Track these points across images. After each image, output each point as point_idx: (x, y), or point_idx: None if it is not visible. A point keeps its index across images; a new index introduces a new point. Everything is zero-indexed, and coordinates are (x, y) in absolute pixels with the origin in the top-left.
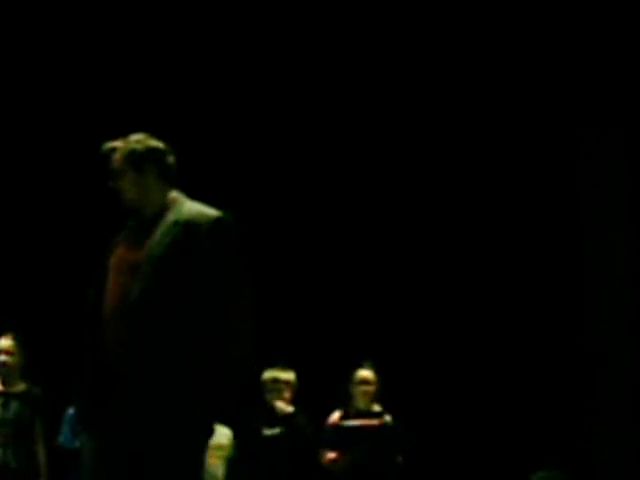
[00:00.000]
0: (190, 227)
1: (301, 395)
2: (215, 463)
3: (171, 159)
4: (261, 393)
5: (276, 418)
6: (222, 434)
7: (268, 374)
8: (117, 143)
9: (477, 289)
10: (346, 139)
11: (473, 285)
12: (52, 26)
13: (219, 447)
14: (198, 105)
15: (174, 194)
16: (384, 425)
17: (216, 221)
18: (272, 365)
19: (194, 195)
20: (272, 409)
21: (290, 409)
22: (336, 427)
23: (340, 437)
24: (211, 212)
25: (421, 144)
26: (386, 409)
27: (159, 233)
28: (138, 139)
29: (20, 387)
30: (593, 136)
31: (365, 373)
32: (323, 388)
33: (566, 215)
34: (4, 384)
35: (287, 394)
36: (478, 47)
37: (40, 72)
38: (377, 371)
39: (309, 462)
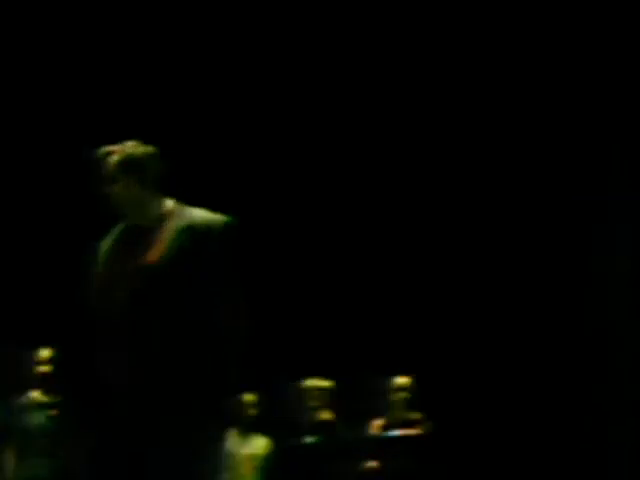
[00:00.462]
0: (204, 232)
1: (341, 404)
2: (249, 473)
3: (164, 167)
4: (301, 402)
5: (315, 426)
6: (258, 444)
7: (307, 383)
8: (112, 148)
9: (492, 289)
10: (349, 142)
11: (490, 285)
12: (46, 28)
13: (253, 457)
14: (191, 108)
15: (171, 201)
16: (424, 433)
17: (226, 226)
18: (311, 374)
19: (189, 200)
20: (311, 417)
21: (329, 417)
22: (375, 436)
23: (380, 447)
24: (221, 217)
25: (428, 142)
26: (426, 416)
27: (170, 238)
28: (132, 145)
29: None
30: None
31: (400, 381)
32: (363, 397)
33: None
34: (45, 394)
35: (325, 402)
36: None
37: (33, 75)
38: (414, 378)
39: (348, 471)
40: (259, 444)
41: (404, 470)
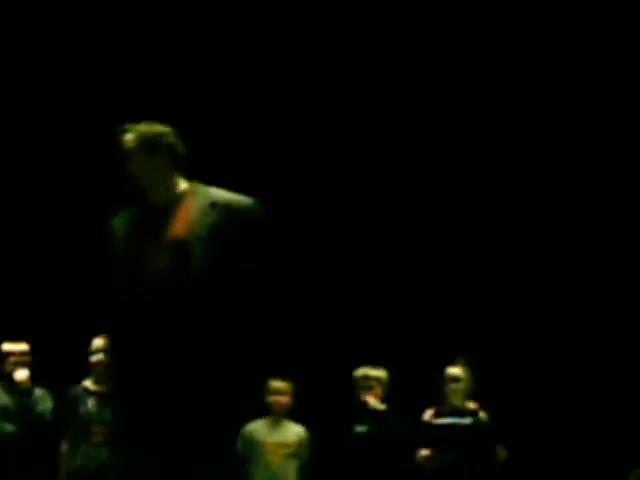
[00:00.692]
0: (229, 210)
1: (397, 394)
2: (276, 461)
3: (182, 146)
4: (353, 390)
5: (367, 415)
6: (290, 431)
7: (359, 371)
8: (130, 126)
9: (573, 283)
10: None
11: (569, 278)
12: (51, 13)
13: (282, 444)
14: (200, 99)
15: (188, 181)
16: (478, 423)
17: (254, 206)
18: (365, 363)
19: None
20: (363, 406)
21: (381, 406)
22: (429, 425)
23: (433, 435)
24: (244, 197)
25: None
26: (483, 406)
27: (195, 215)
28: (150, 124)
29: None
30: None
31: (454, 370)
32: (420, 386)
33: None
34: (98, 383)
35: (378, 391)
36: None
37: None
38: (471, 368)
39: (401, 460)
40: (292, 432)
41: (458, 459)
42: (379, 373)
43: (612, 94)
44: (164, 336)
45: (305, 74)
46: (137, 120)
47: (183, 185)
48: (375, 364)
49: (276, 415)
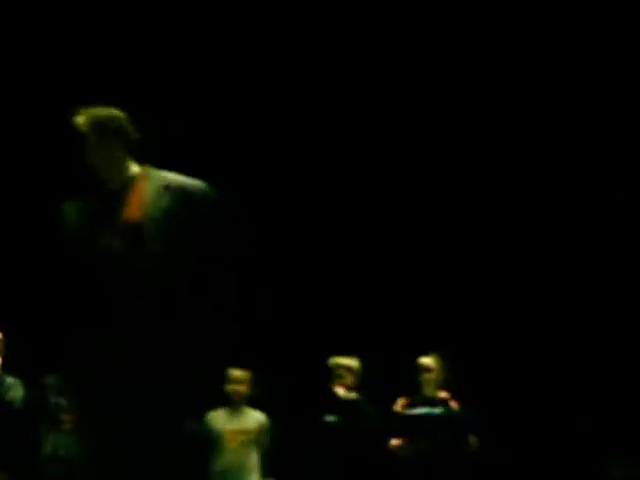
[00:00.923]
0: (183, 193)
1: (371, 383)
2: (235, 448)
3: (133, 130)
4: (325, 379)
5: (336, 404)
6: (249, 418)
7: (331, 360)
8: (83, 110)
9: (546, 278)
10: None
11: (543, 274)
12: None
13: (241, 431)
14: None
15: (140, 166)
16: (449, 413)
17: (208, 189)
18: (339, 352)
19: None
20: (333, 395)
21: (351, 395)
22: (400, 415)
23: (404, 425)
24: (198, 181)
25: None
26: (456, 396)
27: (149, 197)
28: (102, 108)
29: None
30: None
31: (426, 360)
32: (393, 376)
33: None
34: None
35: (349, 380)
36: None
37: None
38: (445, 359)
39: (371, 449)
40: (251, 419)
41: (430, 448)
42: (350, 362)
43: (611, 96)
44: (119, 319)
45: (298, 67)
46: (94, 104)
47: (135, 168)
48: (349, 354)
49: (235, 404)
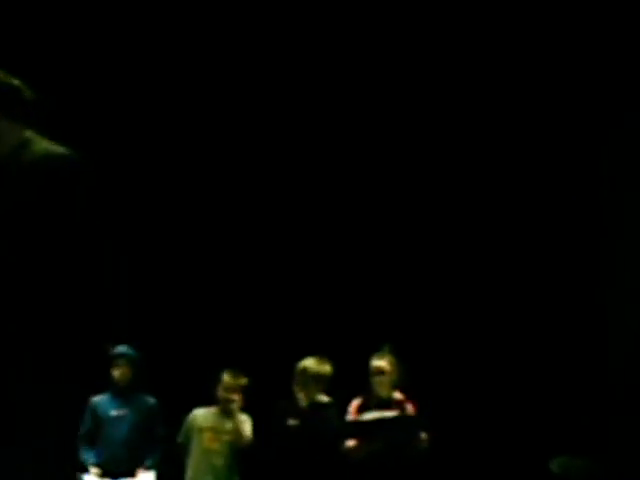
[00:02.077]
0: (35, 174)
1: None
2: (214, 447)
3: (26, 96)
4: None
5: (299, 409)
6: (232, 418)
7: (299, 365)
8: None
9: (496, 272)
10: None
11: (493, 268)
12: None
13: (221, 431)
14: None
15: (28, 133)
16: (404, 416)
17: (65, 165)
18: (295, 352)
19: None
20: (295, 400)
21: (316, 400)
22: (355, 422)
23: (358, 428)
24: (60, 152)
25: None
26: (409, 394)
27: (6, 182)
28: None
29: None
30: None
31: (379, 362)
32: (351, 376)
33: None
34: None
35: (313, 385)
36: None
37: None
38: (398, 357)
39: (330, 454)
40: (234, 419)
41: (383, 449)
42: (318, 368)
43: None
44: None
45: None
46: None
47: (23, 135)
48: (305, 354)
49: (223, 405)
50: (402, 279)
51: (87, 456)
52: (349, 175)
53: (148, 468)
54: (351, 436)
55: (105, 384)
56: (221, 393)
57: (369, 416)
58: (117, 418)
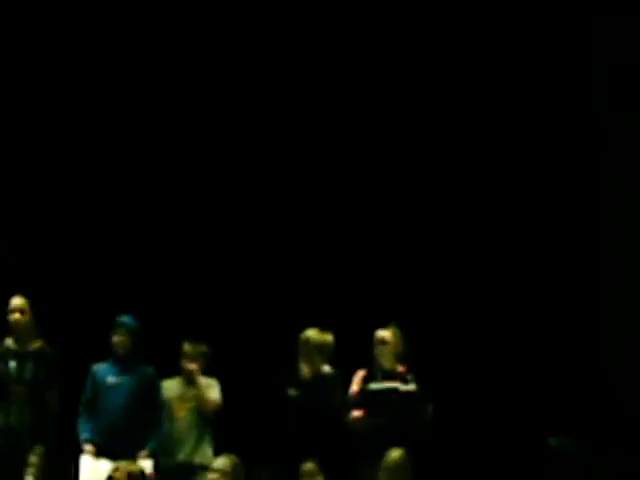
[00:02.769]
0: None
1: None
2: (185, 416)
3: None
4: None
5: (301, 380)
6: (201, 386)
7: (302, 335)
8: None
9: (497, 263)
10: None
11: (494, 259)
12: None
13: (191, 399)
14: None
15: None
16: (406, 389)
17: None
18: (299, 325)
19: None
20: (297, 371)
21: (319, 370)
22: (359, 390)
23: (363, 398)
24: None
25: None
26: (413, 369)
27: None
28: None
29: (34, 345)
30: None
31: (383, 333)
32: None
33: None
34: (18, 343)
35: (317, 356)
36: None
37: None
38: (403, 331)
39: (333, 425)
40: (203, 387)
41: (387, 422)
42: (320, 337)
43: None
44: None
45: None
46: None
47: None
48: (309, 325)
49: (188, 375)
50: (410, 262)
51: (84, 429)
52: (353, 152)
53: (148, 454)
54: (356, 407)
55: (106, 352)
56: (183, 362)
57: (374, 386)
58: (115, 385)
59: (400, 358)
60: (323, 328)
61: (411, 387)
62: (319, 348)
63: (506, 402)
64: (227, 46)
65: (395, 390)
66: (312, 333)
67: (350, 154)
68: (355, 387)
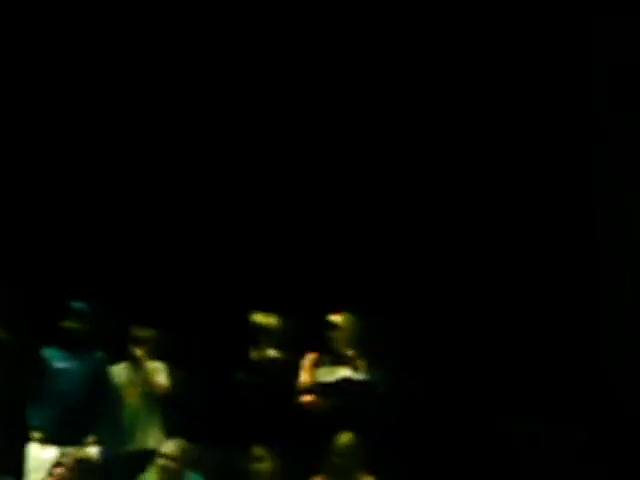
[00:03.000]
0: None
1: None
2: (134, 402)
3: None
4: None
5: (251, 363)
6: (149, 371)
7: (250, 318)
8: None
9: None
10: None
11: (489, 257)
12: None
13: (140, 384)
14: None
15: None
16: (358, 376)
17: None
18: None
19: None
20: (247, 353)
21: (268, 354)
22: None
23: (314, 387)
24: None
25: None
26: (367, 355)
27: None
28: None
29: None
30: None
31: (335, 318)
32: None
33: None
34: None
35: (265, 339)
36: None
37: None
38: (355, 316)
39: (282, 407)
40: (151, 371)
41: (339, 405)
42: (267, 320)
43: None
44: None
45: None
46: None
47: None
48: (264, 310)
49: (137, 360)
50: (409, 262)
51: (33, 415)
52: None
53: (96, 440)
54: (310, 387)
55: (56, 337)
56: (130, 347)
57: (326, 378)
58: (65, 370)
59: (352, 344)
60: (276, 312)
61: (361, 376)
62: (266, 332)
63: (506, 402)
64: (227, 44)
65: (347, 380)
66: (259, 317)
67: (321, 138)
68: (306, 375)
